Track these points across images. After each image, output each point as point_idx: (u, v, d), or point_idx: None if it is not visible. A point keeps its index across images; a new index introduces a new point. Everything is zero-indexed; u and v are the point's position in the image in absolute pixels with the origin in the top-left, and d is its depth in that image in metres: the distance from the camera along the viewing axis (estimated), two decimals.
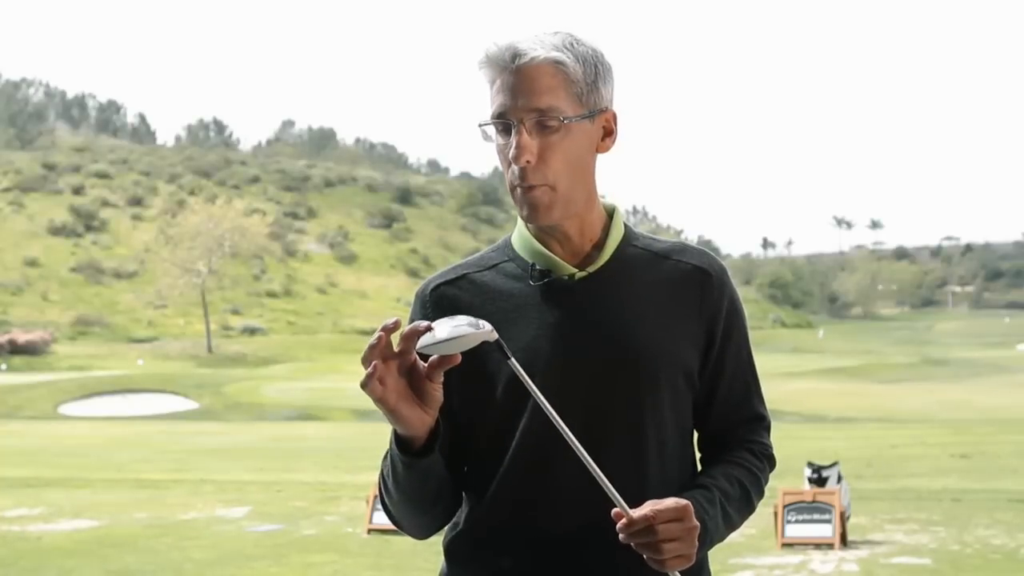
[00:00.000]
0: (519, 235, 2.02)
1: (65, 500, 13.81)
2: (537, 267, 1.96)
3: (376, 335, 1.74)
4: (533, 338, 1.92)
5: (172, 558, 9.66)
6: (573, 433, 1.78)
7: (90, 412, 40.09)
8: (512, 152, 1.87)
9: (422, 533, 2.03)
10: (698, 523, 1.80)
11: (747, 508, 2.01)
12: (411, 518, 1.98)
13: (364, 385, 1.75)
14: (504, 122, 1.89)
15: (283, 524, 11.52)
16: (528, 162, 1.86)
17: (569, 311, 1.94)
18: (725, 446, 2.05)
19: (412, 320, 1.98)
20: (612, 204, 2.03)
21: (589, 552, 1.90)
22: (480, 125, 1.92)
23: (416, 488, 1.90)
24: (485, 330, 1.75)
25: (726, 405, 2.04)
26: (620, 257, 1.98)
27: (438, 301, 1.99)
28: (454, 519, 2.02)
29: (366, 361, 1.74)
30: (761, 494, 2.05)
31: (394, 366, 1.76)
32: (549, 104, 1.87)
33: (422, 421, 1.81)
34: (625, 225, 2.03)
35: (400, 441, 1.85)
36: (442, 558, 2.06)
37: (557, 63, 1.88)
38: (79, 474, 17.43)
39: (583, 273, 1.96)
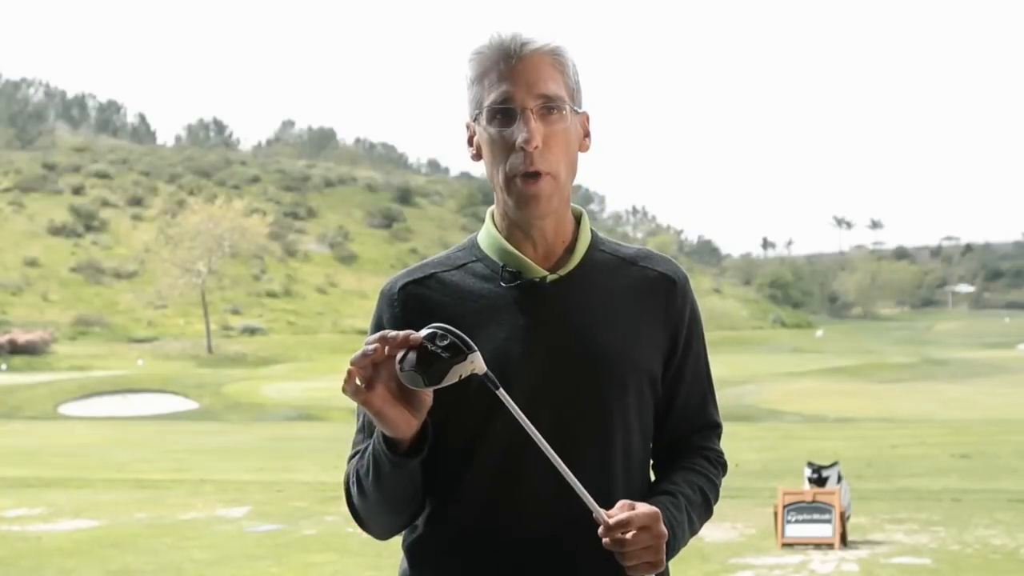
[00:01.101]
0: (488, 235, 2.01)
1: (65, 500, 13.82)
2: (508, 269, 1.96)
3: (373, 346, 1.72)
4: (504, 340, 1.91)
5: (172, 558, 9.67)
6: (542, 435, 1.78)
7: (90, 412, 40.08)
8: (523, 137, 1.87)
9: (386, 534, 2.01)
10: (667, 531, 1.81)
11: (706, 514, 2.04)
12: (383, 518, 1.96)
13: (343, 389, 1.74)
14: (507, 108, 1.89)
15: (283, 524, 11.53)
16: (537, 147, 1.87)
17: (540, 314, 1.93)
18: (679, 453, 2.06)
19: (379, 318, 1.98)
20: (579, 209, 2.04)
21: (556, 556, 1.90)
22: (491, 106, 1.90)
23: (399, 488, 1.88)
24: (474, 364, 1.74)
25: (684, 412, 2.06)
26: (589, 261, 1.99)
27: (406, 301, 1.97)
28: (418, 522, 2.00)
29: (354, 364, 1.73)
30: (716, 500, 2.07)
31: (384, 369, 1.75)
32: (555, 91, 1.90)
33: (408, 424, 1.80)
34: (592, 230, 2.04)
35: (388, 442, 1.84)
36: (402, 558, 2.04)
37: (557, 54, 1.92)
38: (79, 474, 17.44)
39: (554, 276, 1.95)
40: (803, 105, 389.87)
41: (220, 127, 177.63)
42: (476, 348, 1.75)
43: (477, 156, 1.98)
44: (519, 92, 1.89)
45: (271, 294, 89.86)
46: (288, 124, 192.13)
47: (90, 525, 11.70)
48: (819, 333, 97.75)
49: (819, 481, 10.06)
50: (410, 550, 2.01)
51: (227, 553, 9.88)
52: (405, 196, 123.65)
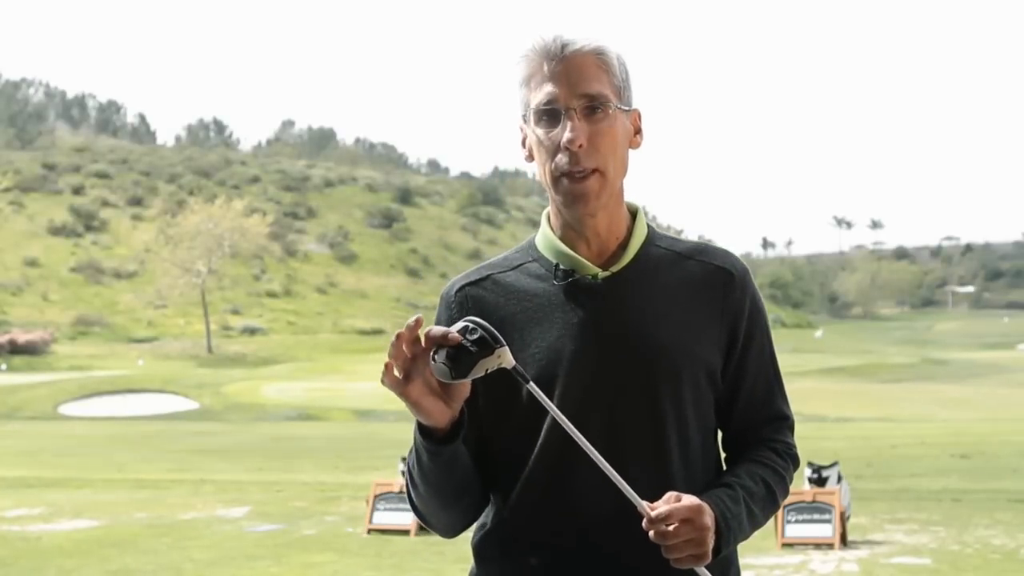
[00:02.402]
0: (543, 236, 2.03)
1: (65, 500, 13.81)
2: (561, 267, 1.97)
3: (396, 333, 1.77)
4: (557, 338, 1.94)
5: (172, 558, 9.66)
6: (597, 431, 1.82)
7: (90, 412, 40.06)
8: (567, 136, 1.89)
9: (449, 530, 2.03)
10: (711, 524, 1.82)
11: (772, 506, 2.03)
12: (439, 513, 1.99)
13: (382, 381, 1.79)
14: (552, 109, 1.91)
15: (283, 524, 11.52)
16: (581, 146, 1.89)
17: (593, 311, 1.95)
18: (748, 445, 2.06)
19: (437, 320, 2.02)
20: (635, 204, 2.05)
21: (613, 549, 1.91)
22: (536, 108, 1.93)
23: (443, 479, 1.91)
24: (502, 359, 1.78)
25: (749, 405, 2.05)
26: (643, 257, 2.00)
27: (463, 302, 2.00)
28: (482, 519, 2.03)
29: (390, 355, 1.79)
30: (786, 493, 2.06)
31: (421, 362, 1.79)
32: (599, 91, 1.92)
33: (443, 413, 1.83)
34: (648, 225, 2.05)
35: (424, 430, 1.87)
36: (470, 558, 2.07)
37: (601, 53, 1.94)
38: (79, 474, 17.43)
39: (607, 273, 1.97)
40: (803, 105, 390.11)
41: (220, 127, 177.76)
42: (504, 343, 1.78)
43: (530, 157, 2.00)
44: (563, 93, 1.91)
45: (271, 294, 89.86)
46: (288, 124, 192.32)
47: (90, 525, 11.69)
48: (819, 333, 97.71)
49: (819, 481, 10.06)
50: (477, 548, 2.04)
51: (227, 553, 9.87)
52: (405, 196, 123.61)
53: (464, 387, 1.82)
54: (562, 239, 1.99)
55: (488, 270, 2.04)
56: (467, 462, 1.92)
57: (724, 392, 2.03)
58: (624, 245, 2.00)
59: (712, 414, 2.02)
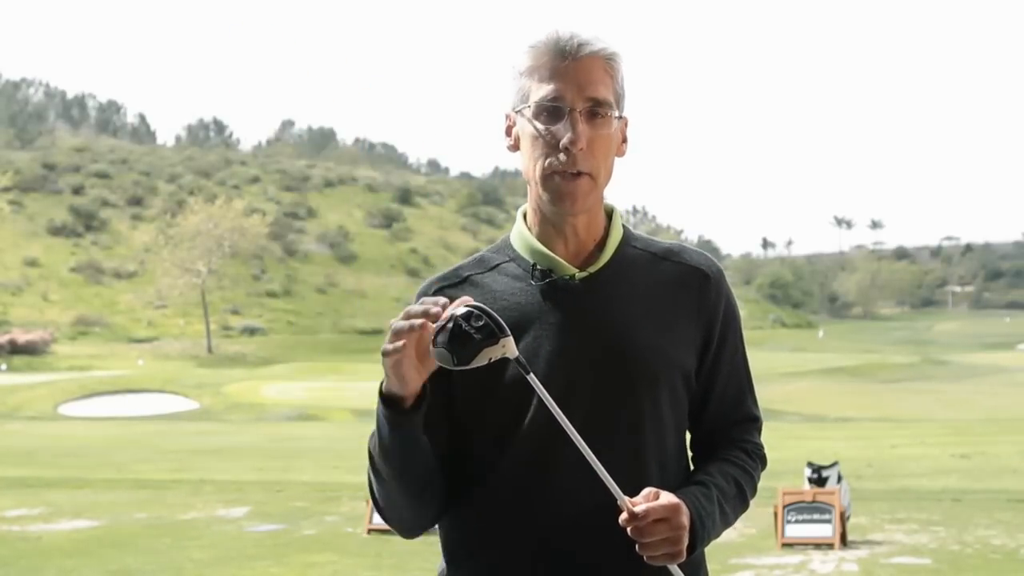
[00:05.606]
0: (519, 235, 2.02)
1: (65, 500, 13.81)
2: (538, 267, 1.97)
3: (420, 321, 1.76)
4: (535, 338, 1.93)
5: (172, 558, 9.67)
6: (574, 430, 1.80)
7: (90, 412, 40.09)
8: (569, 137, 1.89)
9: (411, 523, 2.01)
10: (687, 523, 1.82)
11: (741, 506, 2.04)
12: (401, 501, 1.95)
13: (387, 353, 1.77)
14: (556, 106, 1.91)
15: (283, 524, 11.52)
16: (581, 150, 1.89)
17: (570, 311, 1.95)
18: (718, 446, 2.06)
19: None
20: (611, 205, 2.05)
21: (589, 546, 1.90)
22: (540, 102, 1.92)
23: (404, 456, 1.88)
24: (505, 348, 1.76)
25: (721, 406, 2.06)
26: (620, 257, 2.00)
27: None
28: (453, 519, 2.01)
29: (400, 335, 1.77)
30: (754, 493, 2.07)
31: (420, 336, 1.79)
32: (604, 96, 1.92)
33: (418, 380, 1.82)
34: (624, 226, 2.04)
35: (389, 400, 1.84)
36: (441, 557, 2.05)
37: (611, 59, 1.94)
38: (79, 474, 17.42)
39: (584, 273, 1.97)
40: (803, 105, 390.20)
41: (220, 127, 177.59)
42: (509, 332, 1.77)
43: (515, 147, 1.99)
44: (569, 92, 1.91)
45: (271, 294, 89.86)
46: (288, 124, 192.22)
47: (90, 525, 11.69)
48: (820, 334, 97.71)
49: (819, 481, 10.06)
50: (448, 545, 2.03)
51: (227, 553, 9.87)
52: (405, 196, 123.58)
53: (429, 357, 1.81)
54: (539, 237, 1.99)
55: (465, 272, 2.03)
56: (428, 447, 1.89)
57: (697, 393, 2.03)
58: (601, 246, 2.00)
59: (686, 415, 2.03)
